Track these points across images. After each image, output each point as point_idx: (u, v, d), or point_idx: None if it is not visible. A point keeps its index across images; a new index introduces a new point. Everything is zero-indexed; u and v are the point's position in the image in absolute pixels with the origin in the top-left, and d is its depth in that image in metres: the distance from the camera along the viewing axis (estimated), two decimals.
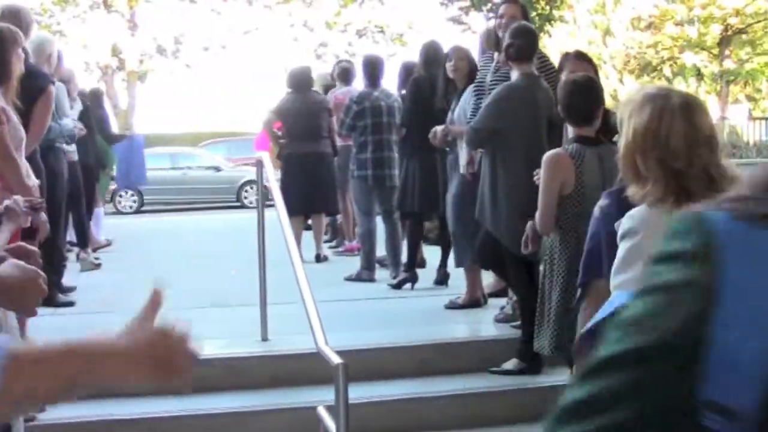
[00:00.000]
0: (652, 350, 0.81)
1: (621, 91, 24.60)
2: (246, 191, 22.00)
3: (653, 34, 33.92)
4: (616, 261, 2.83)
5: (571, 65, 5.81)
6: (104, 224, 12.11)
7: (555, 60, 6.90)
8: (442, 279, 8.26)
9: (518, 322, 6.30)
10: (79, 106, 9.83)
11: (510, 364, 5.97)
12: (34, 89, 5.82)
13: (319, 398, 4.84)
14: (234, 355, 5.90)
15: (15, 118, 5.34)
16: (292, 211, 9.91)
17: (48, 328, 6.85)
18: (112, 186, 15.30)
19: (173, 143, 30.62)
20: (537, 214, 4.97)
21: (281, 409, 5.49)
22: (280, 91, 10.34)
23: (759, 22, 30.29)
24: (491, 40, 7.21)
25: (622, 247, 2.81)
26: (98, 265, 9.93)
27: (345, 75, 10.55)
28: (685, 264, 0.85)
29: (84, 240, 9.92)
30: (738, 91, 32.64)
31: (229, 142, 26.97)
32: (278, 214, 5.64)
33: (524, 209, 5.31)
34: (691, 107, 2.77)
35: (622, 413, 0.81)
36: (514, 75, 6.10)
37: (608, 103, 5.53)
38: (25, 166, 5.39)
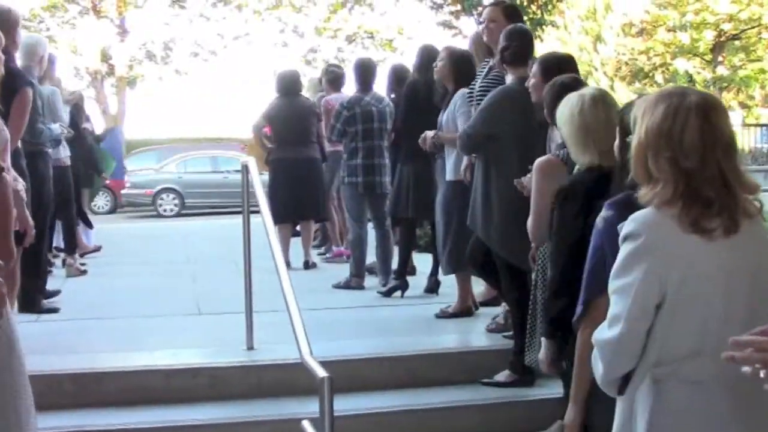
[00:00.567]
0: None
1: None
2: None
3: (645, 40, 33.88)
4: (616, 264, 2.69)
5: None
6: (122, 228, 11.94)
7: None
8: (433, 287, 8.13)
9: (510, 333, 6.17)
10: (65, 111, 9.66)
11: (502, 376, 5.84)
12: (9, 90, 5.69)
13: (305, 410, 4.71)
14: (218, 365, 5.75)
15: None
16: (279, 218, 9.85)
17: (30, 334, 6.73)
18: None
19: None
20: (529, 222, 4.83)
21: (265, 421, 5.34)
22: (270, 96, 10.19)
23: (752, 28, 30.23)
24: (479, 45, 7.09)
25: (623, 251, 2.66)
26: (84, 272, 9.78)
27: (336, 80, 10.43)
28: None
29: (71, 246, 9.77)
30: (731, 98, 32.57)
31: (159, 151, 27.14)
32: (263, 219, 5.49)
33: (517, 217, 5.17)
34: (709, 106, 2.64)
35: None
36: (509, 78, 5.97)
37: None
38: (12, 170, 5.25)
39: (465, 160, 6.69)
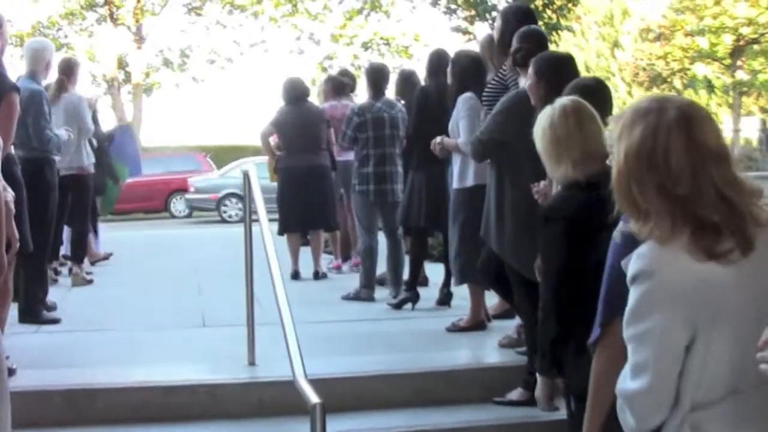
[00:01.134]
0: None
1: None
2: None
3: (663, 45, 33.59)
4: (629, 308, 2.36)
5: None
6: (133, 236, 11.73)
7: None
8: (445, 299, 7.88)
9: (524, 348, 5.90)
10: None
11: (515, 394, 5.57)
12: None
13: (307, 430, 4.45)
14: (218, 382, 5.50)
15: None
16: (287, 227, 9.65)
17: (27, 346, 6.52)
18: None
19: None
20: None
21: None
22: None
23: None
24: (490, 50, 6.85)
25: (635, 293, 2.34)
26: (90, 281, 9.59)
27: (343, 87, 10.22)
28: None
29: (79, 255, 9.58)
30: (751, 103, 32.21)
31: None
32: (260, 227, 5.23)
33: (530, 227, 4.90)
34: (690, 119, 2.33)
35: None
36: (522, 82, 5.71)
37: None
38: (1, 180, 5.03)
39: (472, 165, 6.48)
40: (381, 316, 7.66)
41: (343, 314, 7.72)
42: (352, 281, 8.73)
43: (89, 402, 5.33)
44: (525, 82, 5.71)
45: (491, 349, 6.37)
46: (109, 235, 13.25)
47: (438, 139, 6.96)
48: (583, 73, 5.52)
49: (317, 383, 4.15)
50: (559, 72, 4.83)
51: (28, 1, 28.62)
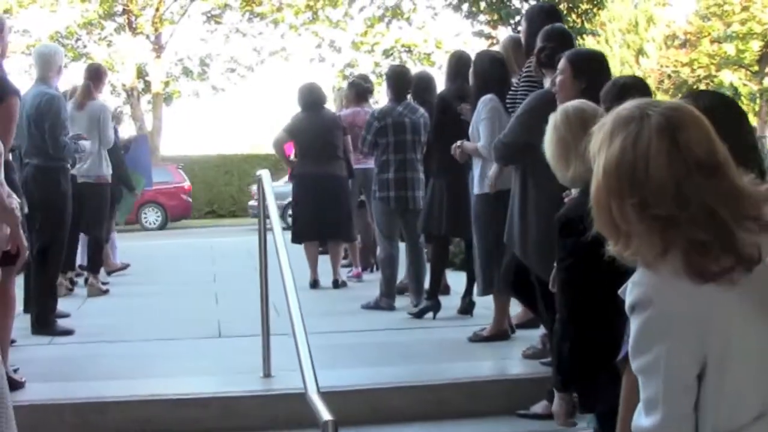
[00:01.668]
0: None
1: None
2: None
3: (688, 52, 33.35)
4: (632, 340, 2.13)
5: None
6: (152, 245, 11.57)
7: None
8: (467, 308, 7.67)
9: (549, 359, 5.69)
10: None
11: (539, 407, 5.35)
12: None
13: None
14: (231, 394, 5.30)
15: None
16: (302, 237, 9.46)
17: (38, 358, 6.37)
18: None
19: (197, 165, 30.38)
20: None
21: None
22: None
23: None
24: (515, 52, 6.67)
25: (635, 323, 2.11)
26: (106, 292, 9.45)
27: (366, 93, 10.04)
28: None
29: (95, 265, 9.43)
30: None
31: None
32: (273, 233, 5.04)
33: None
34: (675, 125, 2.03)
35: None
36: (547, 82, 5.51)
37: None
38: (5, 186, 4.88)
39: (494, 168, 6.28)
40: (401, 325, 7.45)
41: (363, 324, 7.52)
42: (372, 290, 8.54)
43: (100, 416, 5.15)
44: (549, 82, 5.52)
45: (515, 359, 6.15)
46: (124, 244, 13.12)
47: (458, 143, 6.77)
48: None
49: (334, 396, 3.97)
50: (594, 70, 4.63)
51: (47, 11, 28.67)
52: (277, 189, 6.22)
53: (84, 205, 8.57)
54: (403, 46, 29.80)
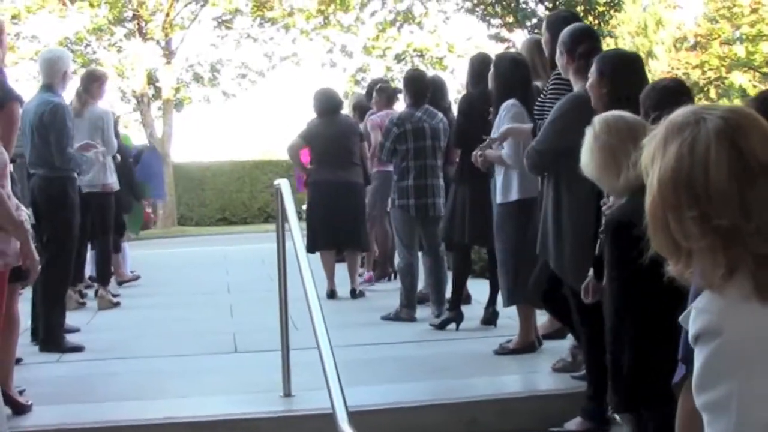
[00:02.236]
0: None
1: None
2: None
3: (698, 54, 33.14)
4: (697, 371, 1.86)
5: None
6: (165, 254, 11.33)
7: None
8: (491, 318, 7.41)
9: (581, 372, 5.43)
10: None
11: (573, 423, 5.09)
12: None
13: None
14: (249, 416, 5.04)
15: None
16: (317, 246, 9.19)
17: (46, 378, 6.12)
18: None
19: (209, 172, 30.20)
20: None
21: None
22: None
23: None
24: (537, 56, 6.41)
25: (700, 355, 1.83)
26: (117, 304, 9.20)
27: (395, 96, 9.79)
28: None
29: (104, 276, 9.19)
30: None
31: None
32: (294, 244, 4.78)
33: (592, 243, 4.43)
34: (735, 128, 1.81)
35: None
36: (578, 86, 5.24)
37: None
38: (13, 198, 4.65)
39: (517, 178, 6.04)
40: (423, 337, 7.19)
41: (383, 336, 7.26)
42: (391, 300, 8.28)
43: None
44: (579, 85, 5.26)
45: (544, 373, 5.89)
46: (135, 253, 12.89)
47: (477, 151, 6.51)
48: None
49: (358, 416, 3.73)
50: (630, 71, 4.38)
51: (56, 17, 28.47)
52: None
53: (88, 215, 8.30)
54: (414, 50, 29.51)
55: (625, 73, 4.54)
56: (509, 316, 7.05)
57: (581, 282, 4.86)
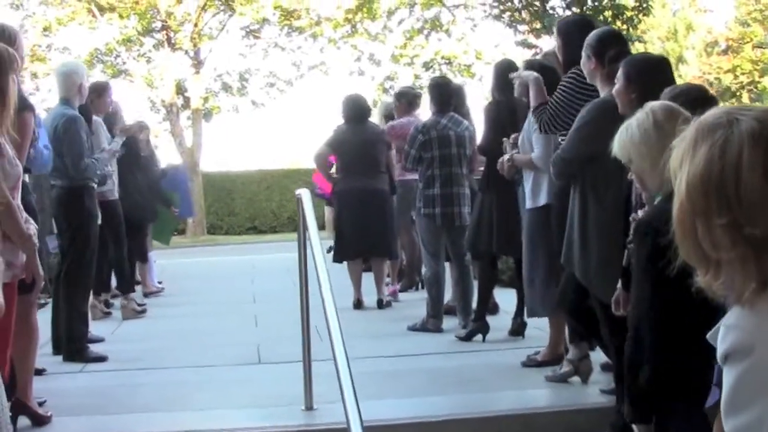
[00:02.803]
0: None
1: None
2: None
3: (730, 59, 32.81)
4: (727, 392, 1.74)
5: None
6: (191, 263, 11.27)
7: None
8: (518, 329, 7.29)
9: (610, 387, 5.30)
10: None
11: None
12: None
13: None
14: (268, 430, 4.95)
15: (11, 152, 4.55)
16: (344, 255, 9.11)
17: (67, 389, 6.07)
18: None
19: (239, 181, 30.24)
20: None
21: None
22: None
23: None
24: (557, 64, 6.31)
25: (729, 375, 1.72)
26: (142, 313, 9.15)
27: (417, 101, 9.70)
28: None
29: (124, 286, 9.14)
30: None
31: None
32: (312, 253, 4.69)
33: (620, 252, 4.31)
34: None
35: None
36: (605, 91, 5.12)
37: None
38: (23, 212, 4.60)
39: (546, 181, 5.93)
40: (450, 349, 7.09)
41: (409, 347, 7.16)
42: (418, 309, 8.19)
43: None
44: (606, 90, 5.14)
45: (573, 387, 5.76)
46: (163, 262, 12.88)
47: (505, 156, 6.40)
48: None
49: (376, 431, 3.62)
50: (654, 76, 4.25)
51: (86, 29, 28.62)
52: None
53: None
54: (442, 58, 29.39)
55: (653, 77, 4.41)
56: (538, 326, 6.94)
57: (608, 293, 4.74)
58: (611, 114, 4.66)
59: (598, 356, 5.87)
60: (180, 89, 30.20)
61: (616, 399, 4.98)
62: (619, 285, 4.30)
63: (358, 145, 8.90)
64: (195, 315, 9.33)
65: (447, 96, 8.07)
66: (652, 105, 3.44)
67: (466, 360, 6.67)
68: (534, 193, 6.30)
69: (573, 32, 5.83)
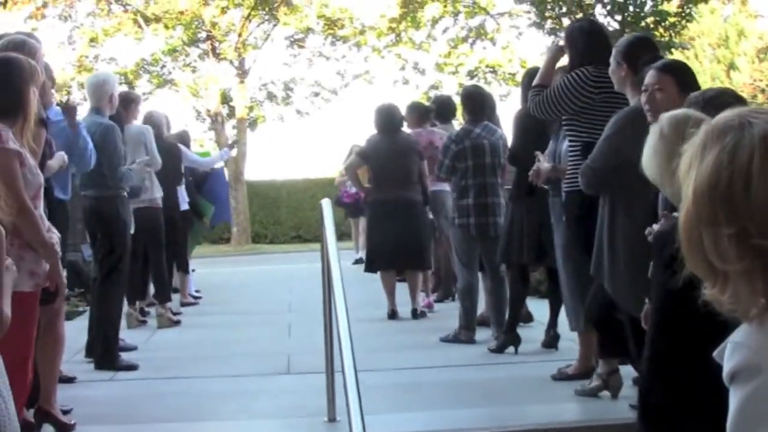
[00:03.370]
0: None
1: None
2: None
3: None
4: (730, 418, 1.63)
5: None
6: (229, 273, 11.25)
7: None
8: (552, 342, 7.17)
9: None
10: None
11: None
12: None
13: None
14: None
15: (32, 161, 4.56)
16: (375, 265, 9.05)
17: (96, 396, 6.07)
18: None
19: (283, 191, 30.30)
20: None
21: None
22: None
23: None
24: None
25: (736, 396, 1.61)
26: (177, 322, 9.15)
27: (428, 114, 9.64)
28: None
29: (162, 294, 9.15)
30: None
31: None
32: (327, 263, 4.63)
33: (648, 264, 4.20)
34: None
35: None
36: (635, 99, 5.01)
37: None
38: (45, 221, 4.60)
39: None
40: (481, 361, 6.99)
41: (440, 359, 7.07)
42: (453, 320, 8.09)
43: None
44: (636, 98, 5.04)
45: (603, 401, 5.63)
46: (203, 271, 12.91)
47: (546, 166, 6.23)
48: None
49: None
50: (642, 52, 4.19)
51: (132, 40, 28.88)
52: None
53: (139, 232, 8.23)
54: (487, 66, 29.30)
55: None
56: (572, 338, 6.80)
57: (637, 306, 4.63)
58: (640, 123, 4.55)
59: (628, 370, 5.74)
60: (225, 99, 30.35)
61: None
62: (647, 299, 4.19)
63: (389, 156, 8.84)
64: (229, 324, 9.32)
65: (480, 105, 7.99)
66: (662, 116, 3.37)
67: (496, 372, 6.58)
68: None
69: (577, 37, 5.82)
